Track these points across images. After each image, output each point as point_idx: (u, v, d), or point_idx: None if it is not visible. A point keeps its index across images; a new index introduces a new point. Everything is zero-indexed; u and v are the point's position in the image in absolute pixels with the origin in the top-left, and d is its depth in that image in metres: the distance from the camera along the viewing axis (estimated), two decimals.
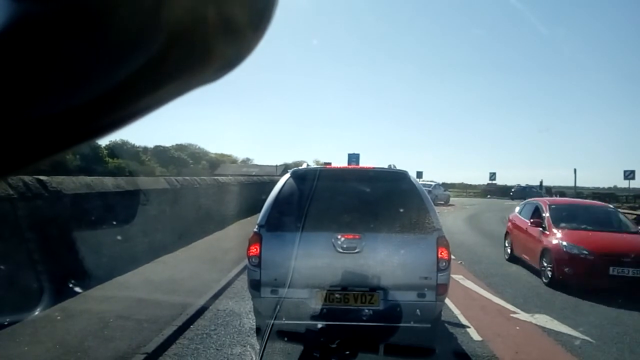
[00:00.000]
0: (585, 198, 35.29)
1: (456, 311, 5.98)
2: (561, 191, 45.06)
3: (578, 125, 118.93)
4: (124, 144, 52.01)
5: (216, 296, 6.34)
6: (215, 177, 16.17)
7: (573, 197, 30.65)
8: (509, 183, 52.84)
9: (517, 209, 11.16)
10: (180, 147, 63.67)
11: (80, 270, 6.06)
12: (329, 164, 14.60)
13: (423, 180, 33.91)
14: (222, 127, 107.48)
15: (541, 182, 48.82)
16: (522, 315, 5.99)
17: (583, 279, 7.32)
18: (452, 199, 35.97)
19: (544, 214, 9.00)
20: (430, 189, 31.91)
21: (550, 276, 7.78)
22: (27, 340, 4.38)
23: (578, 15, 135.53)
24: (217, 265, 8.09)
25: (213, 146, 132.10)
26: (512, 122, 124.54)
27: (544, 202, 9.84)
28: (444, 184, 38.82)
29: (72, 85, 0.42)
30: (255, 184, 18.45)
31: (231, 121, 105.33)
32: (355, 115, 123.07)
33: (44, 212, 5.74)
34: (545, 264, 8.04)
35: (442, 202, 32.34)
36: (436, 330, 4.66)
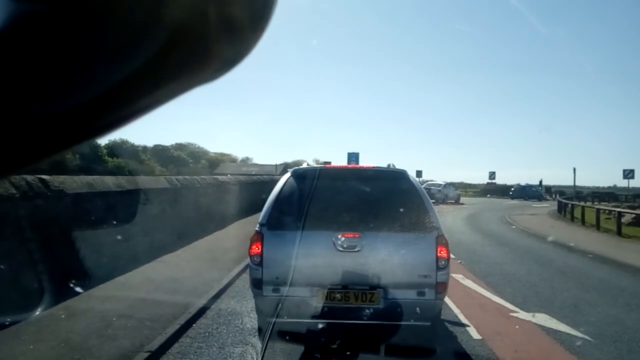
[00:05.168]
0: (585, 197, 35.39)
1: (456, 310, 6.01)
2: (561, 190, 45.15)
3: (578, 125, 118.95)
4: (123, 143, 52.11)
5: (217, 295, 6.36)
6: (215, 177, 16.18)
7: (572, 196, 30.76)
8: (509, 182, 52.90)
9: None
10: (179, 147, 63.71)
11: (81, 270, 6.08)
12: (329, 163, 14.62)
13: (433, 180, 34.09)
14: (222, 126, 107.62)
15: (541, 182, 48.94)
16: (522, 314, 6.02)
17: None
18: None
19: None
20: (440, 188, 32.09)
21: None
22: (31, 339, 4.41)
23: (578, 15, 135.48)
24: (218, 264, 8.12)
25: (212, 145, 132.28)
26: (512, 122, 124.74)
27: None
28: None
29: (72, 85, 0.42)
30: (255, 183, 18.46)
31: (231, 120, 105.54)
32: (355, 114, 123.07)
33: (46, 212, 5.76)
34: None
35: (453, 201, 32.39)
36: (436, 329, 4.70)
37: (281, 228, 4.51)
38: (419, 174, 38.64)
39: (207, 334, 4.98)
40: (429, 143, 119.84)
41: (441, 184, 33.10)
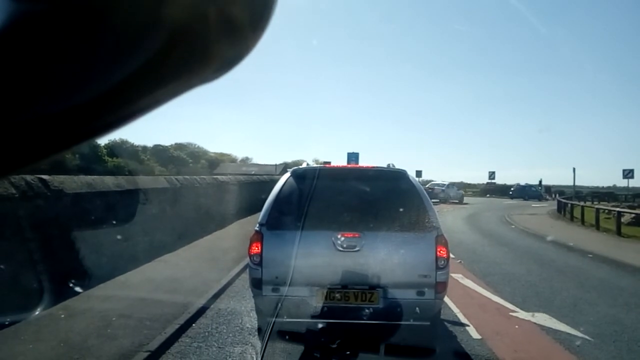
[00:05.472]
0: (585, 197, 35.41)
1: (455, 309, 6.02)
2: (560, 190, 45.16)
3: (578, 125, 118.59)
4: (123, 143, 52.15)
5: (217, 295, 6.37)
6: (215, 177, 16.18)
7: (572, 196, 30.77)
8: (509, 182, 52.86)
9: None
10: (179, 146, 63.71)
11: (80, 270, 6.08)
12: (329, 163, 14.62)
13: (435, 181, 34.22)
14: (221, 126, 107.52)
15: (540, 181, 48.95)
16: (521, 314, 6.03)
17: None
18: None
19: None
20: (443, 188, 32.20)
21: None
22: (31, 339, 4.41)
23: (578, 15, 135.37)
24: (217, 264, 8.12)
25: (212, 145, 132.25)
26: (512, 122, 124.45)
27: None
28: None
29: (72, 85, 0.42)
30: (255, 183, 18.46)
31: (230, 120, 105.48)
32: (355, 114, 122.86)
33: (45, 212, 5.76)
34: None
35: (456, 201, 32.53)
36: (435, 329, 4.70)
37: (281, 228, 4.51)
38: (418, 174, 38.68)
39: (206, 333, 4.98)
40: (429, 143, 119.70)
41: (444, 184, 33.25)
